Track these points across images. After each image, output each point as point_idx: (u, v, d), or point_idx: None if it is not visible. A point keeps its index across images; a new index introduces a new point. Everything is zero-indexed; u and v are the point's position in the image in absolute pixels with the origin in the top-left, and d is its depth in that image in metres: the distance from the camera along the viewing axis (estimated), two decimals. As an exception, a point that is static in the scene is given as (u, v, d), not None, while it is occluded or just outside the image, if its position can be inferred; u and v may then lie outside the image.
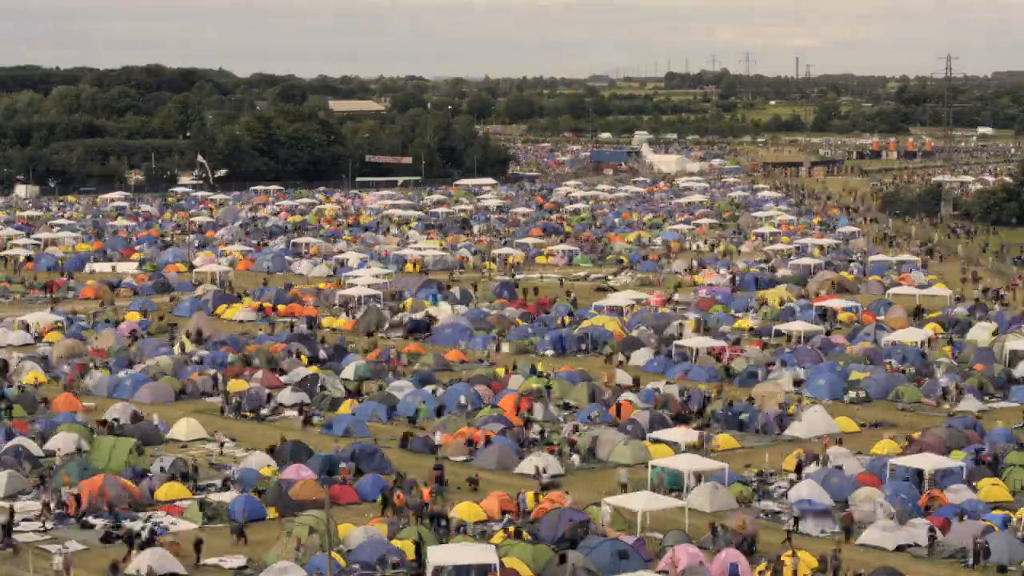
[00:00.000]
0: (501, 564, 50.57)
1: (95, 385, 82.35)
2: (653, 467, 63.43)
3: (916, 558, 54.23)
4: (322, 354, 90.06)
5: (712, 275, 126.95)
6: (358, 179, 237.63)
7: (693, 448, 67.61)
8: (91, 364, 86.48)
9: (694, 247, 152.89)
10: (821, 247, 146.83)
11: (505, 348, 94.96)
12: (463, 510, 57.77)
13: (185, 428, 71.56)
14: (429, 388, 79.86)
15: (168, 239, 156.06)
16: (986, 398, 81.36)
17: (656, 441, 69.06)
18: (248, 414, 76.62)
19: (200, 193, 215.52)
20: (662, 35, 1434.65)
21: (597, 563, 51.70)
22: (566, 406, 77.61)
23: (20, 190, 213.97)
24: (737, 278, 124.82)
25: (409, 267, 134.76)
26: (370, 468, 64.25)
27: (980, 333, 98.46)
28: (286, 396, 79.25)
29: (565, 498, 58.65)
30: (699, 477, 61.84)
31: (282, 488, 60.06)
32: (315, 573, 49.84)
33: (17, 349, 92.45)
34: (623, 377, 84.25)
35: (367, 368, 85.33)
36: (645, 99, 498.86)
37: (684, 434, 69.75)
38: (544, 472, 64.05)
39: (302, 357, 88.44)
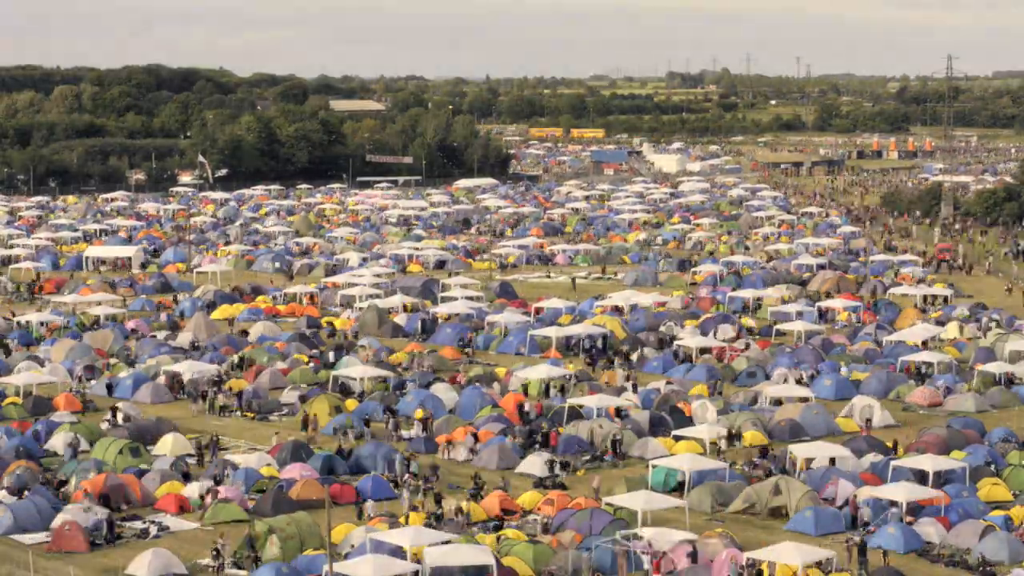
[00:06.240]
0: (499, 564, 50.56)
1: (95, 385, 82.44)
2: (654, 467, 63.44)
3: (919, 557, 54.28)
4: (331, 357, 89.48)
5: (710, 274, 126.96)
6: (358, 179, 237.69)
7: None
8: (96, 364, 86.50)
9: (690, 245, 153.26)
10: (821, 248, 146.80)
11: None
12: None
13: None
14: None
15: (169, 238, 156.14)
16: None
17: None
18: (249, 414, 76.58)
19: (201, 193, 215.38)
20: (662, 35, 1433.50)
21: (599, 563, 51.75)
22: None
23: None
24: (735, 278, 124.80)
25: (412, 267, 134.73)
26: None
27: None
28: (287, 395, 79.29)
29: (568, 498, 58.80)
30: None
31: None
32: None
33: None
34: (624, 378, 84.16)
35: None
36: (646, 99, 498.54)
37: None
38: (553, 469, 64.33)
39: (303, 357, 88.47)
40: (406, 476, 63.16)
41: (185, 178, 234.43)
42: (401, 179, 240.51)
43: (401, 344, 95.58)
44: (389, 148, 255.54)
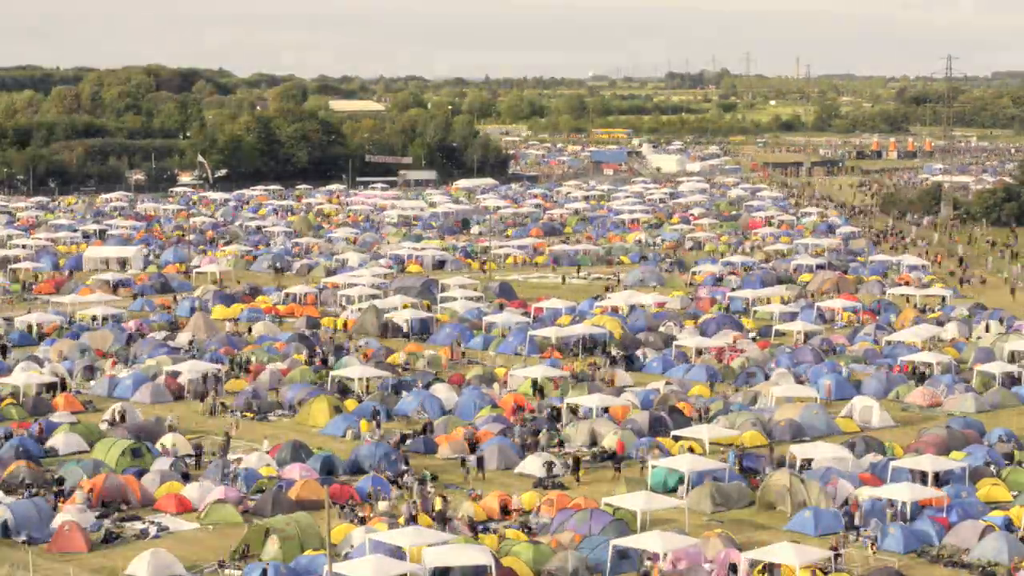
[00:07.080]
0: (498, 564, 50.53)
1: (95, 385, 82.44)
2: (654, 468, 63.40)
3: (918, 557, 54.30)
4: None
5: (709, 274, 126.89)
6: (358, 179, 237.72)
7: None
8: (95, 364, 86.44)
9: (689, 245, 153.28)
10: (821, 248, 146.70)
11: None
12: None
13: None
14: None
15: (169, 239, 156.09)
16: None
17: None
18: (249, 414, 76.55)
19: (200, 193, 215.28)
20: (662, 35, 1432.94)
21: (598, 563, 51.76)
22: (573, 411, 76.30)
23: None
24: (736, 278, 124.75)
25: (411, 267, 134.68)
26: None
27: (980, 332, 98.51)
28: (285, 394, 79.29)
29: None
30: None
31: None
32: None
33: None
34: (624, 378, 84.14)
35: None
36: (645, 99, 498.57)
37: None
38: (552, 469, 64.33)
39: (302, 357, 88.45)
40: (405, 476, 63.17)
41: (185, 178, 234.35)
42: (408, 177, 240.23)
43: (400, 344, 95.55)
44: (389, 148, 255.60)
